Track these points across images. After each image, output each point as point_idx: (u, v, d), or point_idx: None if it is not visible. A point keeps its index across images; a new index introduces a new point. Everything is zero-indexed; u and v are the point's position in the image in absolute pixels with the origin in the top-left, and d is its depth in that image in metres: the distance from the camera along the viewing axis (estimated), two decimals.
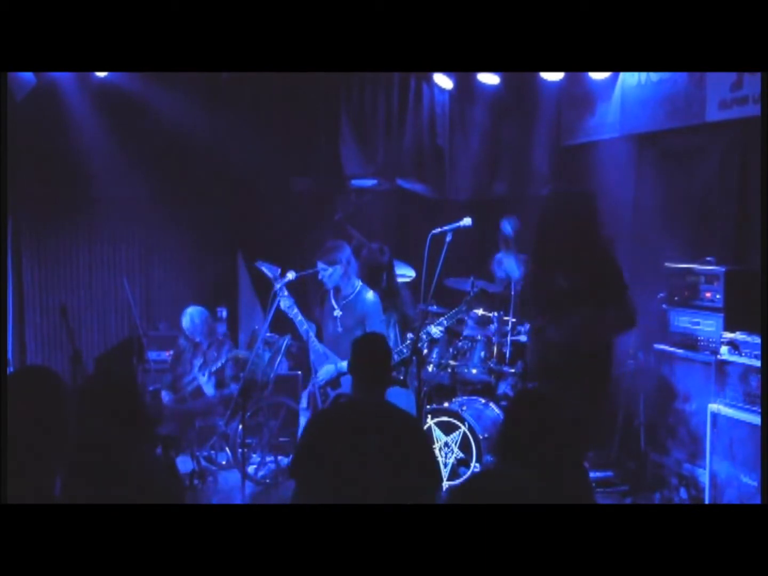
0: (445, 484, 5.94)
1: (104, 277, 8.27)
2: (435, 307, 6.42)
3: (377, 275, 5.67)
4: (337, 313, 5.89)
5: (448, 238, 5.13)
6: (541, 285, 5.01)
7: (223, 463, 6.89)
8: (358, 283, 5.88)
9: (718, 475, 4.98)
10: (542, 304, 4.99)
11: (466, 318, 6.56)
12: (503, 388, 6.47)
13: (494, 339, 6.51)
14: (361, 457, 3.58)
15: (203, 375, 6.72)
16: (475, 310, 6.53)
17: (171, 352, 7.30)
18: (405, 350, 5.48)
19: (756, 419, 4.69)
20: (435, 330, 5.51)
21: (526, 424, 2.92)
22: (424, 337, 5.55)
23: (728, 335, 5.08)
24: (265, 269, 6.01)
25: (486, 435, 5.92)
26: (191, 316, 6.94)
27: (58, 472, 2.69)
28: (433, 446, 3.91)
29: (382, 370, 3.89)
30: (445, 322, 5.58)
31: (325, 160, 7.99)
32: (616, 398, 6.28)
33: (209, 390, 6.75)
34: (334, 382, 5.63)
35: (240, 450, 6.21)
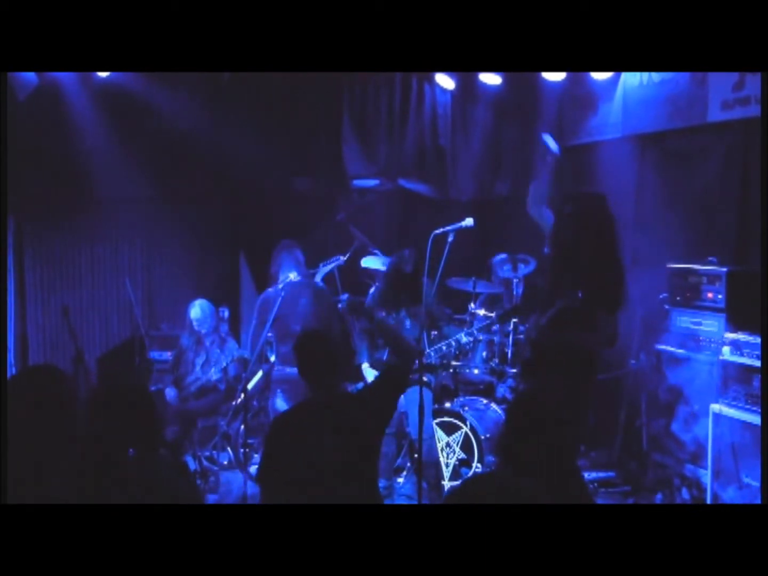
0: (447, 485, 5.95)
1: (106, 276, 8.28)
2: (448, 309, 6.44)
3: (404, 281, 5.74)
4: None
5: (450, 239, 5.15)
6: (547, 278, 5.07)
7: (225, 463, 6.90)
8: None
9: (719, 476, 4.97)
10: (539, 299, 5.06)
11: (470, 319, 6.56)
12: (503, 389, 6.48)
13: (496, 339, 6.51)
14: (320, 456, 3.57)
15: (218, 372, 6.76)
16: (478, 311, 6.54)
17: (173, 352, 7.30)
18: (432, 354, 5.54)
19: (758, 419, 4.69)
20: (465, 339, 5.57)
21: (525, 425, 2.92)
22: (453, 343, 5.58)
23: (730, 336, 5.07)
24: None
25: (488, 435, 5.92)
26: (201, 306, 6.96)
27: (65, 471, 2.69)
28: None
29: (322, 366, 3.77)
30: (475, 332, 5.64)
31: (327, 160, 7.99)
32: (618, 398, 6.28)
33: (221, 385, 6.83)
34: None
35: (242, 450, 6.22)
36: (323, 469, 3.57)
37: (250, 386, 6.66)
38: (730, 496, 4.88)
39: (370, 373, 5.63)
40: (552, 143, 5.28)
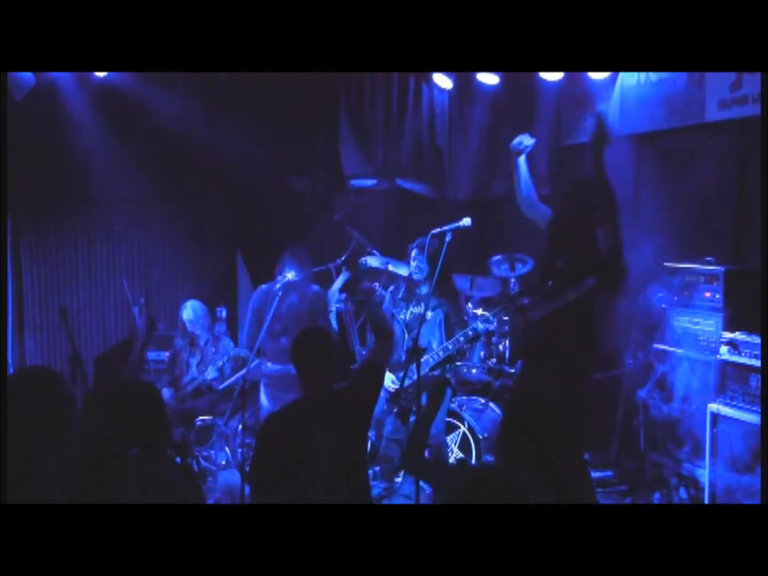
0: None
1: (104, 276, 8.28)
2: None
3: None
4: None
5: (448, 238, 5.14)
6: (544, 267, 5.10)
7: (223, 463, 6.88)
8: None
9: (717, 475, 4.98)
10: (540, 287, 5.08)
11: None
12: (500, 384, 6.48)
13: (494, 339, 6.51)
14: (311, 454, 3.58)
15: (215, 371, 6.75)
16: (475, 311, 6.54)
17: (169, 353, 7.29)
18: (450, 346, 5.56)
19: (755, 419, 4.69)
20: (480, 326, 5.57)
21: (524, 424, 2.92)
22: (470, 333, 5.58)
23: (728, 335, 5.08)
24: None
25: (485, 435, 5.92)
26: (193, 308, 6.97)
27: (60, 472, 2.68)
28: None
29: (318, 365, 3.77)
30: (491, 318, 5.63)
31: (324, 160, 7.99)
32: (615, 398, 6.28)
33: (218, 384, 6.82)
34: None
35: (239, 450, 6.21)
36: (314, 466, 3.57)
37: (232, 379, 6.67)
38: (728, 496, 4.88)
39: (386, 377, 5.65)
40: (527, 140, 5.22)
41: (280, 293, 6.03)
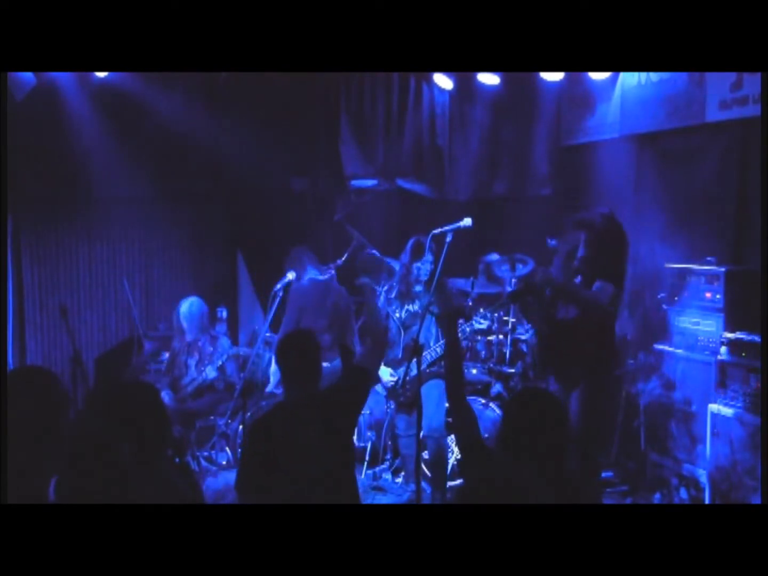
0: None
1: (104, 276, 8.28)
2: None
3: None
4: None
5: (449, 239, 5.14)
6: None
7: (224, 463, 6.88)
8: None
9: (717, 475, 4.98)
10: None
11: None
12: (498, 388, 6.47)
13: (494, 339, 6.50)
14: (297, 457, 3.57)
15: (214, 370, 6.73)
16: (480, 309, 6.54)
17: (168, 355, 7.28)
18: (439, 350, 5.57)
19: (756, 419, 4.69)
20: (484, 323, 5.58)
21: (525, 421, 2.92)
22: (468, 330, 5.59)
23: (728, 335, 5.08)
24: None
25: (486, 435, 5.91)
26: (191, 304, 6.90)
27: (55, 472, 2.68)
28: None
29: (302, 368, 3.78)
30: (488, 314, 5.63)
31: (324, 160, 7.99)
32: (617, 398, 6.28)
33: (219, 384, 6.81)
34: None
35: (240, 450, 6.21)
36: (301, 469, 3.56)
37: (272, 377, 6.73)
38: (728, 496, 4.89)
39: (384, 372, 5.65)
40: None
41: (281, 293, 6.06)
